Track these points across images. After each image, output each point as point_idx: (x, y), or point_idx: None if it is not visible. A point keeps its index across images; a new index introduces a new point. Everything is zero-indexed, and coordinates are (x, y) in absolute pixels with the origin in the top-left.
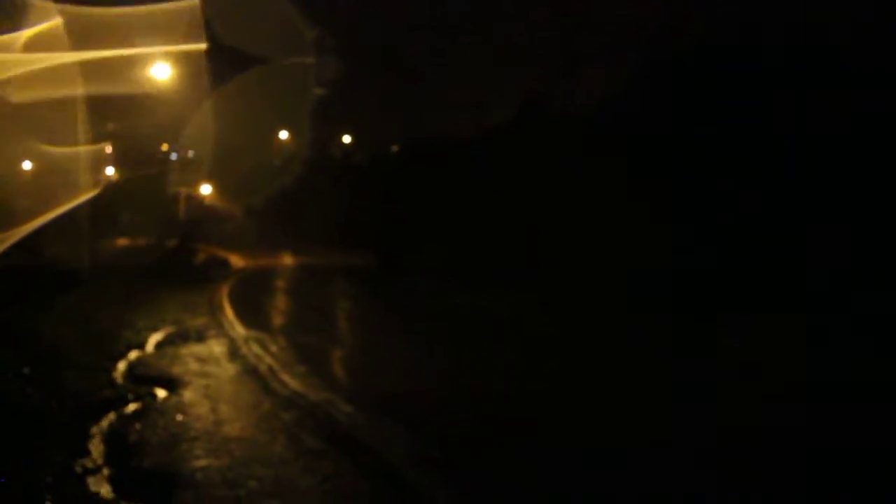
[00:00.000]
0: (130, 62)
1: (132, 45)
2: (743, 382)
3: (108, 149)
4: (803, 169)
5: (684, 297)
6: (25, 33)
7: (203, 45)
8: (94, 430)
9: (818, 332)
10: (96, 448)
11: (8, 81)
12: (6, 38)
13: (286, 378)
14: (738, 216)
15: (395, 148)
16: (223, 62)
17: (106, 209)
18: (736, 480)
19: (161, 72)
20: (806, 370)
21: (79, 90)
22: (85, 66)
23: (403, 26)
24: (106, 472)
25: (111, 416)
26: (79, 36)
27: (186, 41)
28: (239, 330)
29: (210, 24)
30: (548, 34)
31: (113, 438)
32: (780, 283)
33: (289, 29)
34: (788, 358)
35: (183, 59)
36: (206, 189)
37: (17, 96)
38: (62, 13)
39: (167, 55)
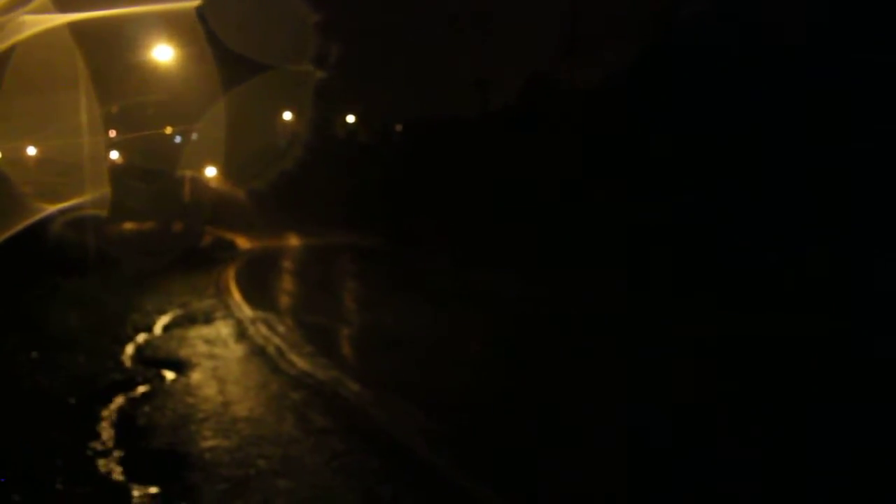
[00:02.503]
0: (131, 43)
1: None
2: None
3: (112, 133)
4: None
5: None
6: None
7: (194, 3)
8: (104, 412)
9: None
10: (106, 430)
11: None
12: None
13: (294, 358)
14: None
15: (398, 127)
16: (225, 45)
17: (111, 194)
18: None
19: (163, 53)
20: None
21: (80, 73)
22: (84, 46)
23: (406, 6)
24: (116, 454)
25: (120, 398)
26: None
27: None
28: (246, 311)
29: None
30: (551, 14)
31: (122, 421)
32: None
33: (291, 11)
34: None
35: (185, 42)
36: (210, 171)
37: (17, 77)
38: None
39: (168, 35)
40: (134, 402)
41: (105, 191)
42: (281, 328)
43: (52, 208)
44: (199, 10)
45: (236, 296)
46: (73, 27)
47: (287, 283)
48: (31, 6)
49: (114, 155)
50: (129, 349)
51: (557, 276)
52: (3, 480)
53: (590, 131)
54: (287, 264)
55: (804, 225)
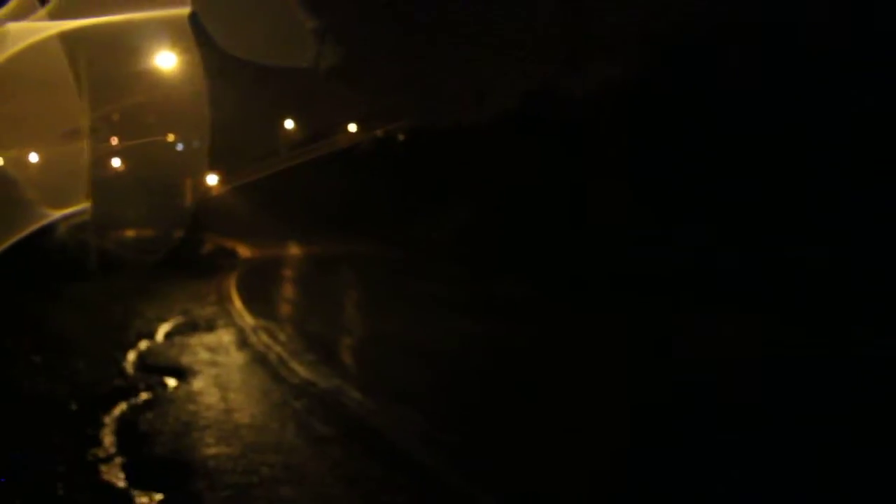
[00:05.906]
0: (130, 51)
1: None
2: None
3: (114, 140)
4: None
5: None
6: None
7: (186, 10)
8: (106, 419)
9: None
10: (108, 437)
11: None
12: None
13: (295, 366)
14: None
15: (401, 136)
16: (225, 52)
17: (113, 201)
18: None
19: (164, 60)
20: None
21: (81, 81)
22: (84, 54)
23: (406, 16)
24: (118, 460)
25: (122, 405)
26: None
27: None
28: (247, 319)
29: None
30: (552, 25)
31: (124, 427)
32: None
33: (288, 19)
34: None
35: (183, 48)
36: (212, 179)
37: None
38: None
39: (167, 42)
40: (136, 409)
41: (101, 199)
42: (282, 336)
43: (55, 214)
44: (194, 17)
45: (238, 304)
46: (72, 35)
47: (288, 292)
48: (29, 17)
49: (116, 162)
50: (131, 356)
51: (562, 281)
52: (2, 480)
53: (587, 141)
54: (289, 273)
55: None
